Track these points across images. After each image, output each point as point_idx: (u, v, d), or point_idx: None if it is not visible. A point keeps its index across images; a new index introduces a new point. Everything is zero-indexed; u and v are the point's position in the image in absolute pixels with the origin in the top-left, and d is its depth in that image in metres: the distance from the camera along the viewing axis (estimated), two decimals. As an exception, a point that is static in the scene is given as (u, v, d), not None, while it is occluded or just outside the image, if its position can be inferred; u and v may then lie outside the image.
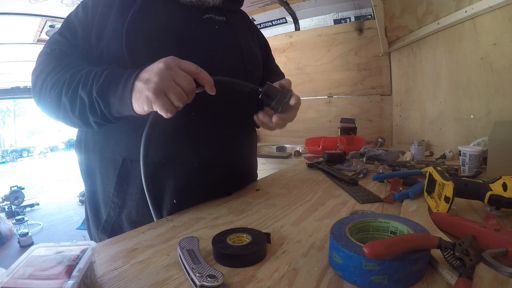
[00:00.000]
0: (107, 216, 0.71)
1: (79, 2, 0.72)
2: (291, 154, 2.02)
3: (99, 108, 0.58)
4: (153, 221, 0.64)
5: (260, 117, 0.76)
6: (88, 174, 0.76)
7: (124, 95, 0.54)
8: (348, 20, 2.33)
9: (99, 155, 0.73)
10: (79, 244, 0.39)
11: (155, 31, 0.67)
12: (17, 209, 4.67)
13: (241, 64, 0.78)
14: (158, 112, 0.53)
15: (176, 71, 0.52)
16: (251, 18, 1.01)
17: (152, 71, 0.52)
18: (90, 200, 0.77)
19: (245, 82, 0.68)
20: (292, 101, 0.70)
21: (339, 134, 2.03)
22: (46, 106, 0.64)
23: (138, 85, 0.53)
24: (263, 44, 0.97)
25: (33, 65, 0.67)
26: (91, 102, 0.58)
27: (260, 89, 0.68)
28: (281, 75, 1.02)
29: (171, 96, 0.52)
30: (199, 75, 0.56)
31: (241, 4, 0.89)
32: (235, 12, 0.85)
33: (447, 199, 0.56)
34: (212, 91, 0.58)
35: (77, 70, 0.61)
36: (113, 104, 0.57)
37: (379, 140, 2.07)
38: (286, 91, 0.71)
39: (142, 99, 0.53)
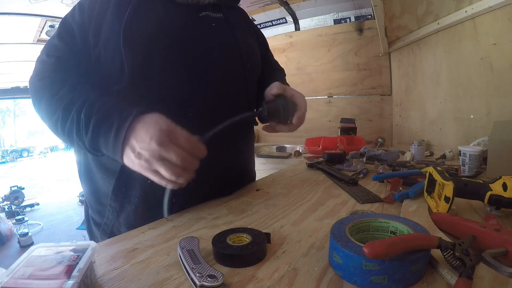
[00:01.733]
0: (106, 219, 0.71)
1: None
2: (291, 154, 2.02)
3: (96, 154, 0.58)
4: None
5: (273, 128, 0.75)
6: (87, 176, 0.76)
7: (115, 155, 0.53)
8: (348, 20, 2.33)
9: (100, 157, 0.72)
10: (79, 244, 0.39)
11: (152, 30, 0.66)
12: (17, 209, 4.67)
13: (239, 62, 0.77)
14: None
15: (170, 153, 0.48)
16: (250, 18, 1.01)
17: (144, 145, 0.48)
18: (91, 203, 0.77)
19: (242, 115, 0.65)
20: (296, 116, 0.71)
21: (339, 134, 2.03)
22: (45, 124, 0.64)
23: (128, 153, 0.51)
24: (261, 40, 0.97)
25: (33, 65, 0.67)
26: (88, 149, 0.58)
27: (261, 109, 0.67)
28: (280, 71, 1.01)
29: (164, 174, 0.49)
30: (193, 152, 0.51)
31: (239, 0, 0.88)
32: (232, 9, 0.84)
33: (447, 199, 0.56)
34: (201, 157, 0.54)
35: (69, 102, 0.58)
36: (108, 155, 0.56)
37: (379, 140, 2.07)
38: (283, 100, 0.69)
39: (136, 168, 0.51)
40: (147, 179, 0.65)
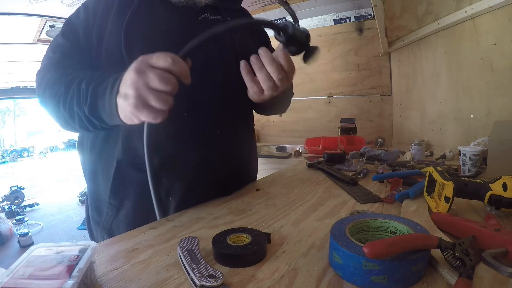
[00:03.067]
0: (106, 215, 0.72)
1: (78, 2, 0.72)
2: (291, 154, 2.02)
3: (96, 123, 0.59)
4: (151, 221, 0.63)
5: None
6: (89, 174, 0.77)
7: (112, 113, 0.54)
8: (348, 20, 2.33)
9: (98, 155, 0.74)
10: (79, 244, 0.39)
11: (152, 33, 0.67)
12: (17, 209, 4.66)
13: (235, 64, 0.74)
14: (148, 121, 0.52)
15: (148, 75, 0.48)
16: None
17: (127, 84, 0.49)
18: (92, 200, 0.78)
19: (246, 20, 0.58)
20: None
21: (339, 134, 2.03)
22: (49, 113, 0.66)
23: (120, 102, 0.51)
24: (264, 41, 0.95)
25: (33, 65, 0.69)
26: (88, 119, 0.59)
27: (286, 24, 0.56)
28: None
29: (153, 104, 0.48)
30: (172, 68, 0.49)
31: (239, 2, 0.88)
32: (233, 11, 0.83)
33: (447, 199, 0.56)
34: (186, 81, 0.52)
35: (71, 79, 0.60)
36: (107, 120, 0.57)
37: (379, 140, 2.07)
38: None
39: (128, 115, 0.51)
40: (142, 177, 0.66)
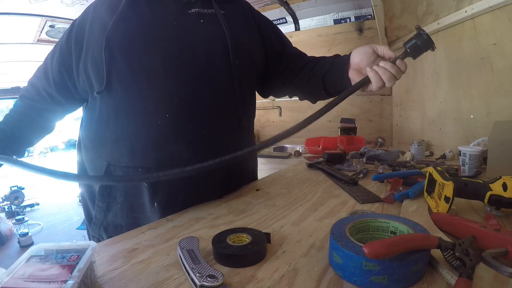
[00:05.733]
0: (95, 218, 0.73)
1: (78, 3, 0.73)
2: (291, 154, 2.02)
3: None
4: (140, 225, 0.62)
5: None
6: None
7: None
8: (348, 20, 2.33)
9: (90, 157, 0.75)
10: (79, 244, 0.39)
11: (132, 35, 0.67)
12: (17, 209, 4.66)
13: (225, 58, 0.72)
14: None
15: None
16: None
17: None
18: (83, 201, 0.80)
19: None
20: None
21: (339, 134, 2.03)
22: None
23: None
24: (274, 32, 0.88)
25: (33, 65, 0.70)
26: None
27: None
28: (324, 58, 0.85)
29: None
30: None
31: None
32: (229, 3, 0.77)
33: (447, 199, 0.56)
34: None
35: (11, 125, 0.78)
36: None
37: (379, 140, 2.07)
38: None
39: None
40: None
